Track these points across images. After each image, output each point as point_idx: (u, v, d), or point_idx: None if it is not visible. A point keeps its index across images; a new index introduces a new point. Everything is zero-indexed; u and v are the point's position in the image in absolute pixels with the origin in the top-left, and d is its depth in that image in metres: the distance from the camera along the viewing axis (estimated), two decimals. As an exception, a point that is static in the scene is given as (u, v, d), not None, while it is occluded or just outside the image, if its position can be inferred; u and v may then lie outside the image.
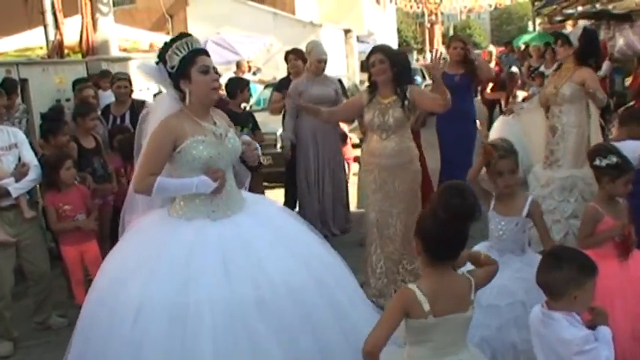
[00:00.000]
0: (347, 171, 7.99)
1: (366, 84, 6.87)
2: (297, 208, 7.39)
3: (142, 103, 6.64)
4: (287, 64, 7.38)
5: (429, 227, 2.59)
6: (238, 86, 6.75)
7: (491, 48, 14.29)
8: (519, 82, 10.82)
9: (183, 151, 3.19)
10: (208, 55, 3.36)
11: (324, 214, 6.92)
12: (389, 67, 4.77)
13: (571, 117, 5.57)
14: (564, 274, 2.51)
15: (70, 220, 5.08)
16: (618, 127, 5.15)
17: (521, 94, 10.05)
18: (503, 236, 3.56)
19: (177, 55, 3.21)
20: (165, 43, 3.32)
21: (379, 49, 4.99)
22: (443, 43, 24.46)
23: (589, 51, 5.58)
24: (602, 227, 3.53)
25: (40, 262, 5.00)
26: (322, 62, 6.77)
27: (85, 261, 5.15)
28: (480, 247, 3.66)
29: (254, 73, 14.84)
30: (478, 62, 6.80)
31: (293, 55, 7.26)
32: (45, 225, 5.36)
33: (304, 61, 6.99)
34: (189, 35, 3.34)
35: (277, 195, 8.62)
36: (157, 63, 3.27)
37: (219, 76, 3.54)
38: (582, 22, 13.96)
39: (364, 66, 6.73)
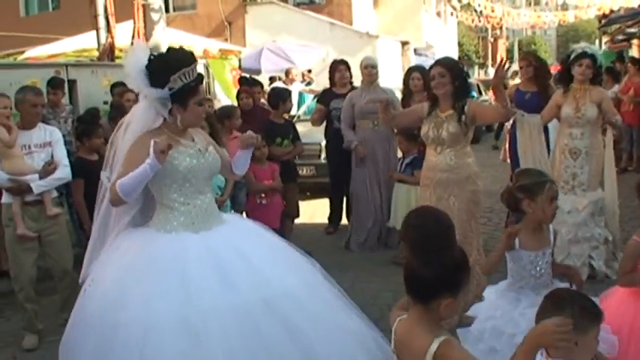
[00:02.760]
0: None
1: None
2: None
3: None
4: (336, 74, 7.22)
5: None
6: (280, 97, 6.70)
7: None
8: None
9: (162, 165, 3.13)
10: (202, 82, 3.34)
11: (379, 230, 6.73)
12: (449, 80, 4.65)
13: (593, 139, 5.54)
14: (565, 316, 2.26)
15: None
16: None
17: None
18: (542, 271, 3.29)
19: (182, 81, 3.17)
20: (167, 60, 3.22)
21: (440, 63, 4.88)
22: (507, 58, 23.85)
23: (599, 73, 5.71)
24: None
25: (61, 259, 5.03)
26: (368, 67, 6.74)
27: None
28: (501, 286, 3.42)
29: (308, 83, 14.81)
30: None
31: (344, 66, 7.22)
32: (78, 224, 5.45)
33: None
34: (194, 58, 3.27)
35: (318, 205, 8.63)
36: (153, 82, 3.17)
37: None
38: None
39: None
